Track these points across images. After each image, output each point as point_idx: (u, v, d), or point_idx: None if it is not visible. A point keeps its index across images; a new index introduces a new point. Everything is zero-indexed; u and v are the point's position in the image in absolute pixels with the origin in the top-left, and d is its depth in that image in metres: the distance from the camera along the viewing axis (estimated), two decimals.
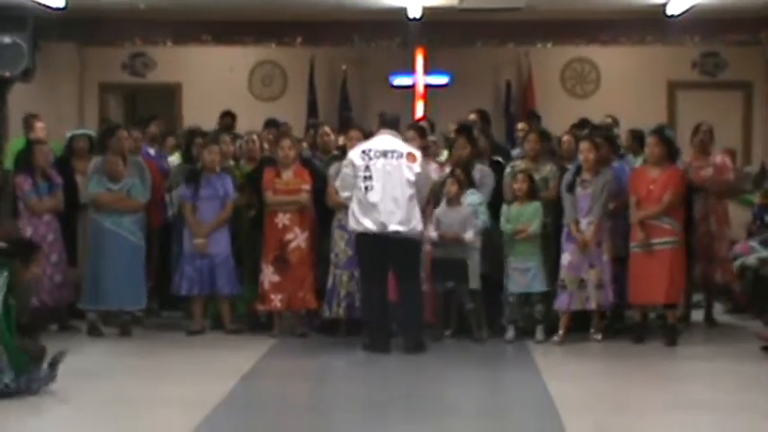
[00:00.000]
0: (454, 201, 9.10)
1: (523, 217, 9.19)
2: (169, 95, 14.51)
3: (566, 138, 10.02)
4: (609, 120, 11.25)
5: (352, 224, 8.74)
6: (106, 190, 9.37)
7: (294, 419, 6.90)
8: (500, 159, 10.02)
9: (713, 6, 12.66)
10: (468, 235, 8.99)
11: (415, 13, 12.88)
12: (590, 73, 14.45)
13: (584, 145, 9.24)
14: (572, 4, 12.98)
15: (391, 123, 9.01)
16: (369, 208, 8.60)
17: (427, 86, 13.93)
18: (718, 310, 10.48)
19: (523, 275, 9.14)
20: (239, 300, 9.68)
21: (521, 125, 11.19)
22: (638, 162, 9.68)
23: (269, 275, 9.32)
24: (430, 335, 9.02)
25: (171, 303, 10.23)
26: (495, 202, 9.42)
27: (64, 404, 6.97)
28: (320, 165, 9.91)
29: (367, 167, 8.66)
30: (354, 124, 10.74)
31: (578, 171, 9.19)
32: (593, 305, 9.07)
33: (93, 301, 9.37)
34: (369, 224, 8.61)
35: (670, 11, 12.85)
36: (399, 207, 8.60)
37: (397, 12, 12.87)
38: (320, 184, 9.44)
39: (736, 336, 9.65)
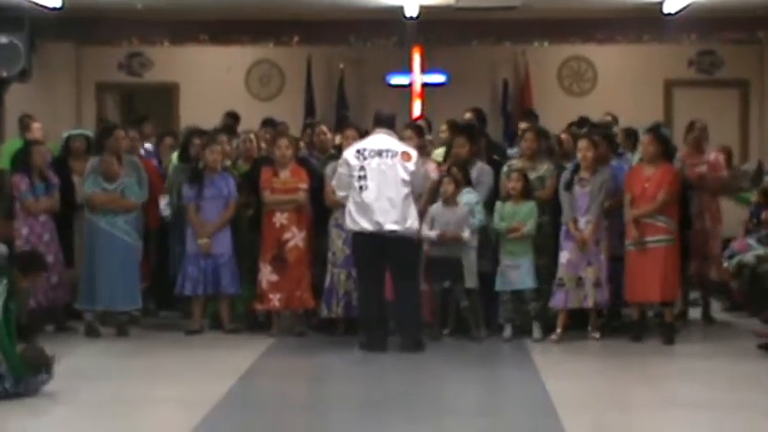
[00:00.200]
0: (450, 200, 9.10)
1: (518, 216, 9.18)
2: (166, 95, 14.49)
3: (564, 136, 10.02)
4: (608, 118, 11.25)
5: (348, 223, 8.74)
6: (101, 190, 9.36)
7: (292, 418, 6.91)
8: (497, 158, 10.01)
9: (709, 5, 12.65)
10: (466, 234, 8.99)
11: (411, 12, 12.87)
12: (587, 71, 14.44)
13: (582, 143, 9.24)
14: (568, 2, 12.95)
15: (386, 121, 8.98)
16: (364, 208, 8.60)
17: (424, 85, 13.92)
18: (716, 307, 10.49)
19: (514, 272, 9.13)
20: (238, 299, 9.68)
21: (522, 125, 11.15)
22: (635, 160, 9.69)
23: (267, 275, 9.32)
24: (428, 334, 9.02)
25: (168, 303, 10.23)
26: (493, 201, 9.41)
27: (62, 405, 6.96)
28: (317, 164, 9.89)
29: (362, 167, 8.65)
30: (351, 123, 10.71)
31: (576, 169, 9.19)
32: (590, 303, 9.08)
33: (89, 302, 9.36)
34: (365, 224, 8.61)
35: (666, 9, 12.83)
36: (395, 206, 8.60)
37: (394, 11, 12.85)
38: (317, 184, 9.44)
39: (733, 334, 9.65)
